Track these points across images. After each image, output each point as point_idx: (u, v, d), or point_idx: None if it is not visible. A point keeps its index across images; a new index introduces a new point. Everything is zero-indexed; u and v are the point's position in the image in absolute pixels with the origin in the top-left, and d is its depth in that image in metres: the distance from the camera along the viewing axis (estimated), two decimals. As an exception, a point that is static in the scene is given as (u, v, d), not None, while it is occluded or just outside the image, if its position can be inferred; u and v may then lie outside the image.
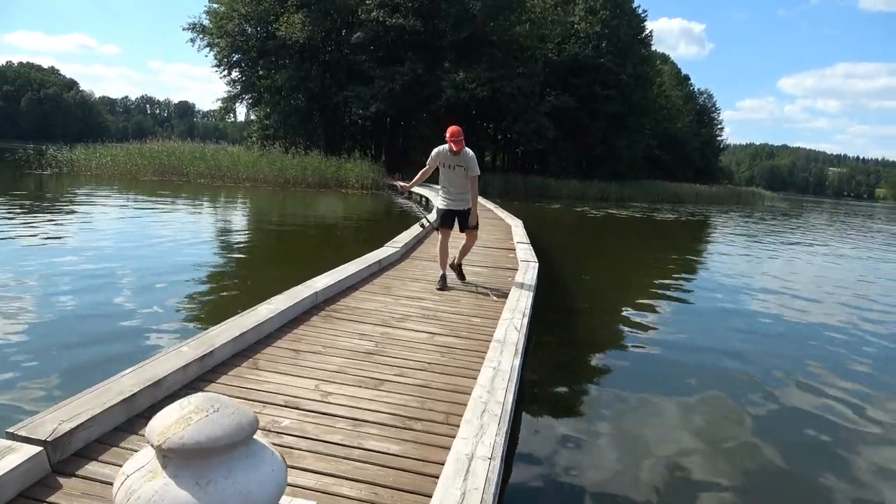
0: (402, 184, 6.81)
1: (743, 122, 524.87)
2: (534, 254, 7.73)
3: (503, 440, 2.53)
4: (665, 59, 70.96)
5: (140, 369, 2.91)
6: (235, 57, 36.98)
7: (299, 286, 4.85)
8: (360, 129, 39.84)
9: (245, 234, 13.55)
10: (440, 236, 6.01)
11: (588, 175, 40.62)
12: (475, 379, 3.39)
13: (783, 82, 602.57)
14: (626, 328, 7.28)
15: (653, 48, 51.13)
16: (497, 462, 2.33)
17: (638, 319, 7.71)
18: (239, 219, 16.88)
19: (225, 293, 7.42)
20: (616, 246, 17.61)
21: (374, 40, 34.59)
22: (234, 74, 38.02)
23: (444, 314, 4.86)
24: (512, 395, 3.02)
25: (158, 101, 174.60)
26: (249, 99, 39.43)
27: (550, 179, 38.41)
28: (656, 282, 10.87)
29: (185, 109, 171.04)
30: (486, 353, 3.87)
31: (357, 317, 4.57)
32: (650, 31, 46.01)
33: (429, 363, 3.68)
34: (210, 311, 6.48)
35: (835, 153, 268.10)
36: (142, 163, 27.00)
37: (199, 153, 29.45)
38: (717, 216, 34.12)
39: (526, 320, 4.48)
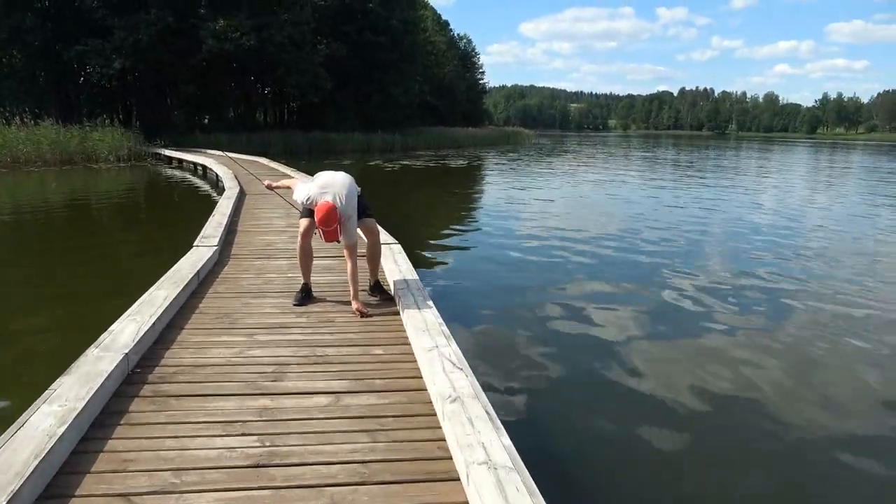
0: (269, 183, 5.13)
1: (493, 65, 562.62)
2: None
3: None
4: (425, 4, 71.41)
5: None
6: (-89, 4, 28.48)
7: (91, 349, 3.02)
8: (103, 90, 33.77)
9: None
10: (301, 230, 4.23)
11: (368, 127, 39.45)
12: (457, 482, 2.12)
13: (523, 27, 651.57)
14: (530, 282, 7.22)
15: (417, -8, 50.62)
16: None
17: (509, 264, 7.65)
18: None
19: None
20: (433, 199, 16.97)
21: (106, -18, 29.03)
22: (-86, 27, 29.37)
23: (330, 349, 3.39)
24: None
25: None
26: (-58, 59, 31.04)
27: (332, 134, 36.54)
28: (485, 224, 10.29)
29: None
30: (434, 417, 2.59)
31: (205, 384, 2.93)
32: (413, -25, 45.31)
33: (363, 466, 2.26)
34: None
35: (572, 90, 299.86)
36: None
37: None
38: (500, 157, 35.40)
39: (454, 344, 3.24)
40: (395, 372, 3.11)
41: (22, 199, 14.86)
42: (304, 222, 4.22)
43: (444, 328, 3.49)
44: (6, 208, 13.48)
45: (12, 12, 28.03)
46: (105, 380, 2.68)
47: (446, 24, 73.33)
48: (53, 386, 2.60)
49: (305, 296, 4.32)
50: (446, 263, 8.44)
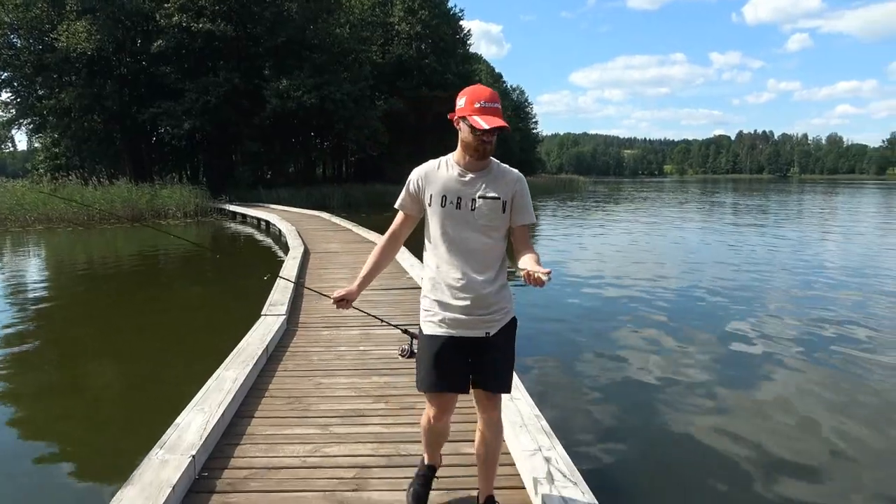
0: (342, 293, 2.40)
1: (545, 114, 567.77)
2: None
3: None
4: (479, 58, 72.98)
5: None
6: (4, 75, 30.81)
7: (155, 451, 2.72)
8: (173, 149, 35.36)
9: (38, 293, 10.33)
10: (430, 408, 2.37)
11: (427, 178, 39.83)
12: None
13: (574, 76, 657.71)
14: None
15: (470, 47, 51.66)
16: None
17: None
18: (31, 272, 13.21)
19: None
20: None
21: (179, 49, 30.64)
22: (5, 96, 31.72)
23: (413, 447, 3.00)
24: None
25: None
26: (29, 124, 33.25)
27: (391, 186, 37.06)
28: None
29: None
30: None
31: (279, 494, 2.57)
32: (468, 31, 46.39)
33: None
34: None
35: (626, 137, 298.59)
36: None
37: (-35, 195, 23.88)
38: (561, 205, 35.00)
39: (560, 447, 2.80)
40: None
41: (95, 256, 15.32)
42: (433, 397, 2.33)
43: (545, 423, 3.06)
44: (80, 265, 13.88)
45: (93, 80, 29.88)
46: (170, 492, 2.37)
47: (500, 76, 74.72)
48: (114, 502, 2.30)
49: (422, 487, 2.53)
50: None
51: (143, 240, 18.61)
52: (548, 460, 2.63)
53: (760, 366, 5.98)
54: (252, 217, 22.17)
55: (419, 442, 3.05)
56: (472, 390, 2.30)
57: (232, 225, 22.77)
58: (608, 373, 5.82)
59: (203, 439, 2.84)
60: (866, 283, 10.56)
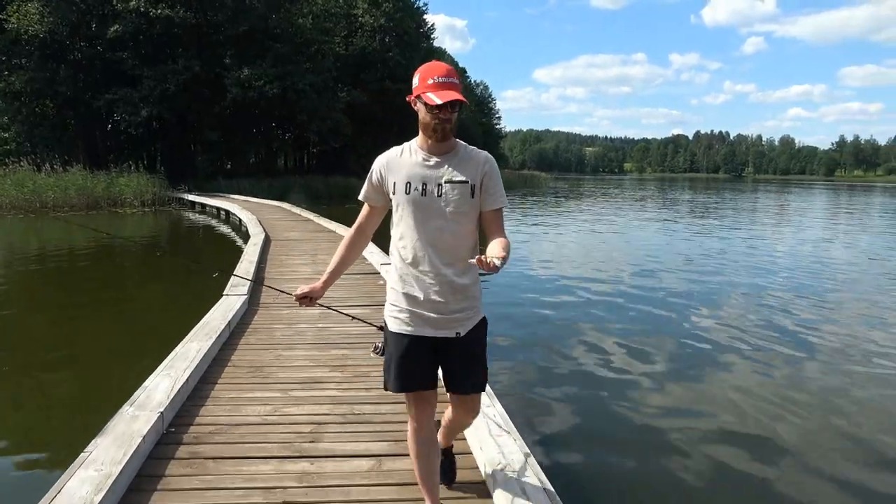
0: (306, 290, 2.42)
1: (508, 110, 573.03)
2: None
3: None
4: (443, 52, 73.27)
5: None
6: (-51, 57, 29.68)
7: (126, 407, 2.95)
8: (130, 137, 34.61)
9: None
10: (413, 417, 2.20)
11: (389, 171, 39.93)
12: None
13: (537, 73, 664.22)
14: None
15: (434, 41, 51.90)
16: None
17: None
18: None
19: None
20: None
21: (137, 35, 30.01)
22: (-49, 79, 30.51)
23: (367, 407, 3.28)
24: None
25: None
26: (-24, 108, 32.11)
27: (353, 178, 37.02)
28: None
29: None
30: (481, 485, 2.46)
31: (241, 445, 2.82)
32: (433, 24, 46.59)
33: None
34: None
35: (587, 134, 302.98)
36: None
37: None
38: (522, 201, 35.55)
39: (499, 404, 3.12)
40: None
41: (49, 244, 15.08)
42: (412, 398, 2.18)
43: (486, 386, 3.37)
44: (33, 253, 13.67)
45: (46, 64, 29.05)
46: (141, 441, 2.60)
47: (463, 70, 75.03)
48: (89, 448, 2.52)
49: None
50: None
51: (99, 228, 18.33)
52: (486, 415, 2.94)
53: (704, 351, 6.26)
54: (212, 206, 22.00)
55: (373, 403, 3.35)
56: (448, 394, 2.25)
57: (191, 214, 22.54)
58: (548, 344, 6.31)
59: (170, 399, 3.06)
60: (814, 275, 11.21)
